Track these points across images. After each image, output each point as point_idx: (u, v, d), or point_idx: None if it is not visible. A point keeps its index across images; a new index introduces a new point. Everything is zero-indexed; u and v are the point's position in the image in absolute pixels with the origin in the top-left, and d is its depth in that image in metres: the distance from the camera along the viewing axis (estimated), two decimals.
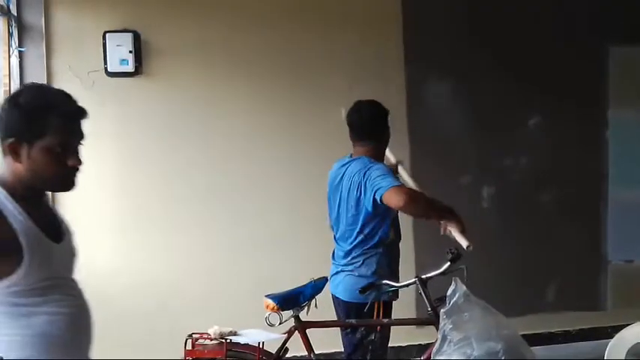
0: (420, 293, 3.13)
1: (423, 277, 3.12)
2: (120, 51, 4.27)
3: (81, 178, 4.65)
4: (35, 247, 1.77)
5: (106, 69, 4.30)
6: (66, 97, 1.85)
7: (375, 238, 3.30)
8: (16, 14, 4.19)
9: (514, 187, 4.95)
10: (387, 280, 3.20)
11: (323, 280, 3.27)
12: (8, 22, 4.14)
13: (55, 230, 1.92)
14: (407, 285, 3.20)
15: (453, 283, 2.85)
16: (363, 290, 3.19)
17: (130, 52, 4.27)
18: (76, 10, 4.31)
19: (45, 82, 4.24)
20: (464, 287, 2.71)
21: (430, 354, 2.93)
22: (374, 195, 3.12)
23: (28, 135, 1.77)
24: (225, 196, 4.52)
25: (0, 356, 1.66)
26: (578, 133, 5.03)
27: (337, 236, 3.47)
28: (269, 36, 4.55)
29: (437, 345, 2.75)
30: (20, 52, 4.19)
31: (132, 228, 4.41)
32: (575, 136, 5.02)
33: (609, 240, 5.12)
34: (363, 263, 3.31)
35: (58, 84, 4.28)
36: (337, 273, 3.41)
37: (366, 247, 3.31)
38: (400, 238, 3.46)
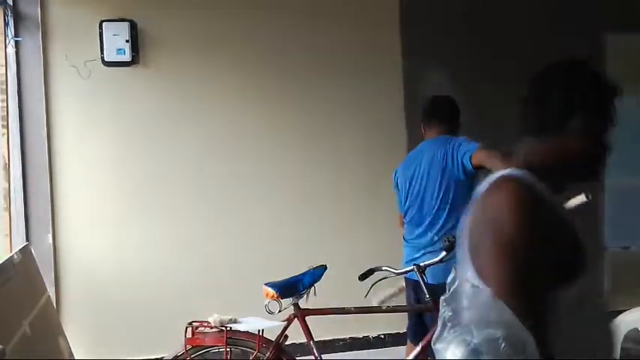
0: (418, 280, 3.17)
1: (421, 264, 3.16)
2: (116, 40, 4.26)
3: (77, 167, 4.66)
4: (586, 242, 1.53)
5: (102, 58, 4.29)
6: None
7: (461, 209, 3.32)
8: (12, 4, 4.18)
9: None
10: None
11: (322, 269, 3.29)
12: (4, 12, 4.14)
13: None
14: (406, 272, 3.24)
15: (452, 270, 2.87)
16: (362, 277, 3.23)
17: (127, 41, 4.26)
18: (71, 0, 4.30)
19: (41, 72, 4.24)
20: None
21: (429, 340, 2.96)
22: (463, 159, 3.22)
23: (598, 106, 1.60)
24: (224, 184, 4.53)
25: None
26: None
27: (414, 221, 3.49)
28: (265, 28, 4.55)
29: (436, 331, 2.77)
30: (16, 42, 4.18)
31: (130, 217, 4.42)
32: None
33: (606, 226, 5.16)
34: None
35: (55, 73, 4.28)
36: (418, 257, 3.39)
37: (451, 222, 3.30)
38: None
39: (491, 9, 4.86)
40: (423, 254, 3.40)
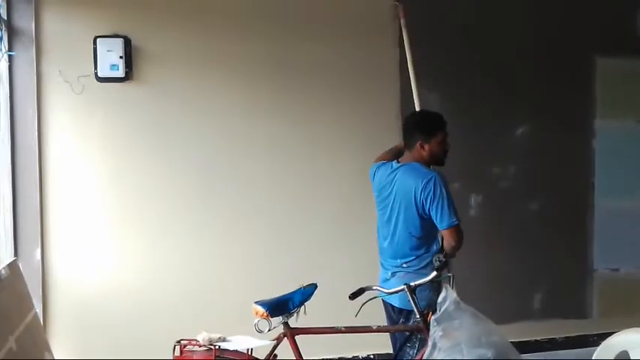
0: (409, 300, 3.16)
1: (412, 284, 3.16)
2: (110, 56, 4.26)
3: (68, 182, 4.64)
4: None
5: (96, 74, 4.28)
6: None
7: (429, 243, 3.43)
8: (6, 18, 4.17)
9: (502, 196, 4.99)
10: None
11: (312, 287, 3.28)
12: None
13: None
14: (396, 292, 3.24)
15: (443, 290, 2.88)
16: (352, 296, 3.24)
17: (121, 57, 4.26)
18: (66, 15, 4.29)
19: (35, 86, 4.23)
20: (454, 294, 2.73)
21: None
22: (436, 220, 3.33)
23: None
24: (216, 201, 4.52)
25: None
26: (565, 143, 5.08)
27: (388, 240, 3.55)
28: (261, 42, 4.55)
29: (427, 351, 2.77)
30: (10, 56, 4.17)
31: (121, 232, 4.40)
32: (563, 146, 5.07)
33: (595, 248, 5.18)
34: (417, 269, 3.41)
35: (48, 88, 4.28)
36: (388, 279, 3.51)
37: (419, 252, 3.43)
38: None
39: (486, 28, 4.90)
40: (392, 276, 3.50)
